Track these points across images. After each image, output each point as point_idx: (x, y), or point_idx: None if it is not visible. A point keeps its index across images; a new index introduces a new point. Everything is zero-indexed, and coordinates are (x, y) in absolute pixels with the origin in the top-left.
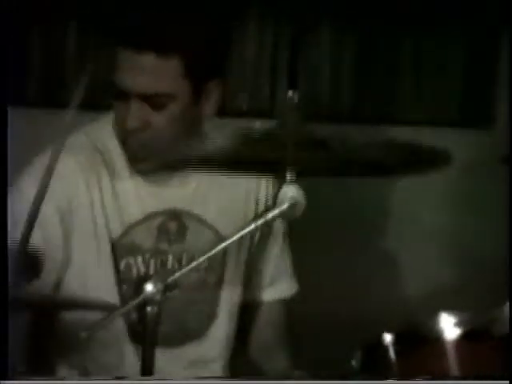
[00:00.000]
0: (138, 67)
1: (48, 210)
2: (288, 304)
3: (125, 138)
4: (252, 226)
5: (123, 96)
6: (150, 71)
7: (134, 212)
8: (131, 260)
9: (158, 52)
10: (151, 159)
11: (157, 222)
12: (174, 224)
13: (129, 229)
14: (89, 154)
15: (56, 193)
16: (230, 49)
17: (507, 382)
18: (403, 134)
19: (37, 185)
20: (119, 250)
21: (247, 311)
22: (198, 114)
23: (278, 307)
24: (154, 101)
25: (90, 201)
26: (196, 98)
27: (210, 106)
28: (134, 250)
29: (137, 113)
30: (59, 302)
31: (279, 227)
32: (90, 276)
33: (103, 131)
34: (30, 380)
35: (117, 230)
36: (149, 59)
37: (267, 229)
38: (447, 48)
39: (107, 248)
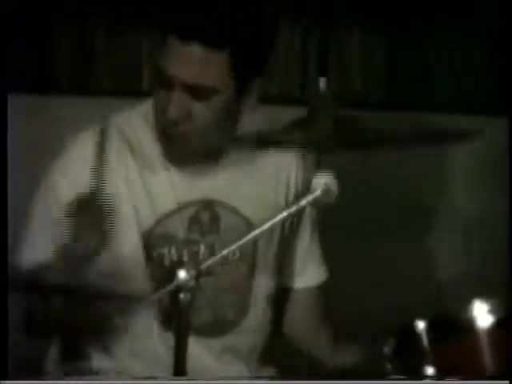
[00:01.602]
0: (186, 57)
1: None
2: (322, 290)
3: (164, 127)
4: (284, 214)
5: (167, 85)
6: (197, 62)
7: (167, 202)
8: (164, 250)
9: (207, 44)
10: (188, 150)
11: (189, 212)
12: (207, 214)
13: (162, 219)
14: (118, 143)
15: (86, 181)
16: (274, 47)
17: (507, 382)
18: (433, 119)
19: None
20: (152, 240)
21: (280, 299)
22: (238, 109)
23: (311, 294)
24: (198, 92)
25: (119, 191)
26: (238, 93)
27: (250, 101)
28: (166, 240)
29: (179, 103)
30: (86, 291)
31: (309, 215)
32: (123, 264)
33: (134, 121)
34: (29, 380)
35: (149, 220)
36: (198, 50)
37: (298, 217)
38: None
39: (138, 238)
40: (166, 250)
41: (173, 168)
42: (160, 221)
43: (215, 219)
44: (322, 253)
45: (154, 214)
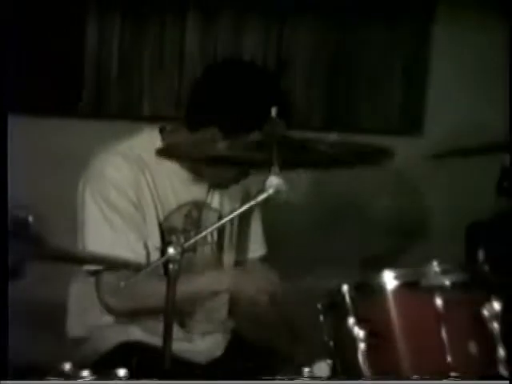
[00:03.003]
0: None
1: (127, 201)
2: (263, 259)
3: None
4: (245, 207)
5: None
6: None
7: (171, 203)
8: (171, 237)
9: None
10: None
11: (185, 210)
12: (196, 211)
13: (168, 215)
14: (135, 163)
15: (127, 187)
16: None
17: (507, 382)
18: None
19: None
20: (164, 230)
21: (238, 266)
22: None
23: (258, 262)
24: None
25: (141, 194)
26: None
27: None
28: (171, 230)
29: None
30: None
31: (257, 210)
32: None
33: (145, 144)
34: (29, 380)
35: (161, 216)
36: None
37: (250, 211)
38: (387, 68)
39: (157, 228)
40: (172, 238)
41: (176, 179)
42: (167, 216)
43: (200, 214)
44: (263, 236)
45: (164, 212)
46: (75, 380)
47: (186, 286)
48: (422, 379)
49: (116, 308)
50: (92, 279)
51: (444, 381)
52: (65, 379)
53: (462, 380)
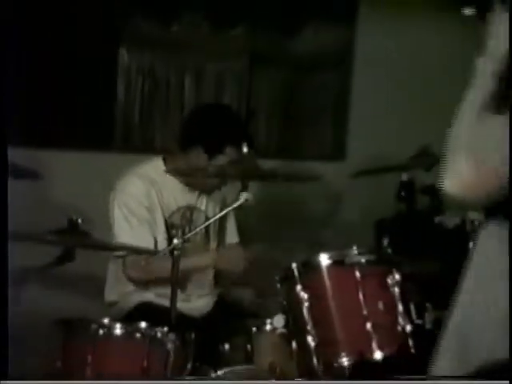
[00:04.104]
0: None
1: (143, 208)
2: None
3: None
4: (225, 211)
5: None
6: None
7: (172, 206)
8: (174, 232)
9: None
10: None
11: (182, 211)
12: (189, 212)
13: (170, 215)
14: (148, 182)
15: (142, 197)
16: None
17: (507, 382)
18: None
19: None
20: (168, 225)
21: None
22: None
23: (234, 245)
24: None
25: (152, 202)
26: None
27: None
28: (172, 226)
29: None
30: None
31: (232, 211)
32: (158, 237)
33: (154, 169)
34: (29, 380)
35: (166, 216)
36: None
37: (228, 213)
38: (321, 108)
39: (163, 224)
40: (174, 232)
41: (177, 189)
42: (170, 216)
43: (192, 215)
44: (237, 229)
45: (167, 212)
46: (76, 380)
47: (185, 262)
48: (420, 379)
49: (136, 279)
50: (120, 261)
51: (444, 381)
52: (103, 330)
53: (462, 380)
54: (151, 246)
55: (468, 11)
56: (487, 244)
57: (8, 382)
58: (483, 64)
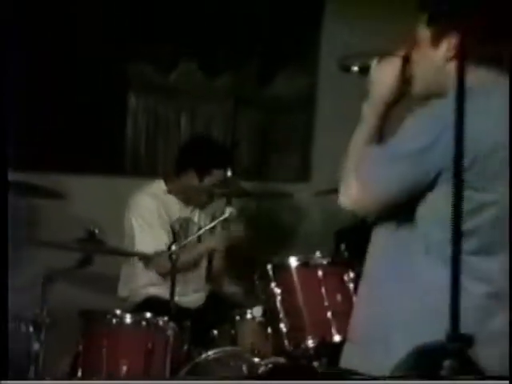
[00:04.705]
0: None
1: (158, 220)
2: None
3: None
4: (214, 223)
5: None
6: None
7: (173, 218)
8: (172, 240)
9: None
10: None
11: (180, 221)
12: (185, 223)
13: (172, 224)
14: (156, 198)
15: (152, 210)
16: None
17: (507, 382)
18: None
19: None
20: (173, 232)
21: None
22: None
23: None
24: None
25: (164, 216)
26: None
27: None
28: (174, 233)
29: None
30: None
31: (219, 223)
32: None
33: (158, 188)
34: (29, 380)
35: (169, 225)
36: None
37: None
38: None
39: (168, 231)
40: (176, 238)
41: (178, 206)
42: (172, 224)
43: (187, 226)
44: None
45: (170, 222)
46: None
47: (185, 255)
48: (419, 378)
49: (164, 272)
50: (138, 263)
51: (443, 381)
52: (116, 319)
53: (461, 380)
54: (166, 243)
55: (354, 69)
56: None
57: (8, 382)
58: (367, 106)
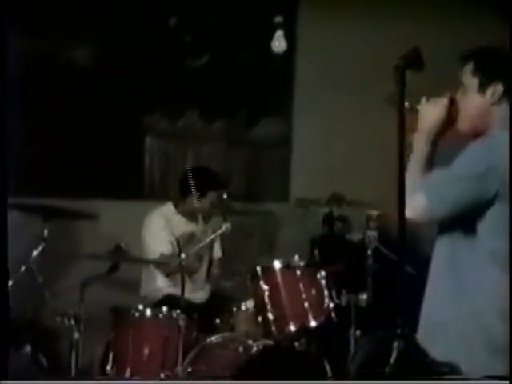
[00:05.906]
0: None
1: (163, 232)
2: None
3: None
4: (213, 235)
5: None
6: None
7: (179, 232)
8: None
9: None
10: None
11: (185, 235)
12: (189, 236)
13: (178, 238)
14: (164, 217)
15: (163, 227)
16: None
17: (507, 382)
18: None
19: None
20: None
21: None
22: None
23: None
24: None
25: (168, 230)
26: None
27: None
28: (179, 246)
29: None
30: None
31: (218, 236)
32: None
33: (167, 209)
34: (29, 380)
35: (174, 237)
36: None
37: (216, 236)
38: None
39: (175, 243)
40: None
41: (183, 222)
42: (177, 238)
43: (192, 238)
44: (220, 247)
45: (174, 236)
46: (75, 380)
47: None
48: (417, 379)
49: (166, 272)
50: (152, 269)
51: (443, 381)
52: (138, 313)
53: (462, 380)
54: (170, 251)
55: (406, 105)
56: (439, 253)
57: (8, 382)
58: (417, 136)
